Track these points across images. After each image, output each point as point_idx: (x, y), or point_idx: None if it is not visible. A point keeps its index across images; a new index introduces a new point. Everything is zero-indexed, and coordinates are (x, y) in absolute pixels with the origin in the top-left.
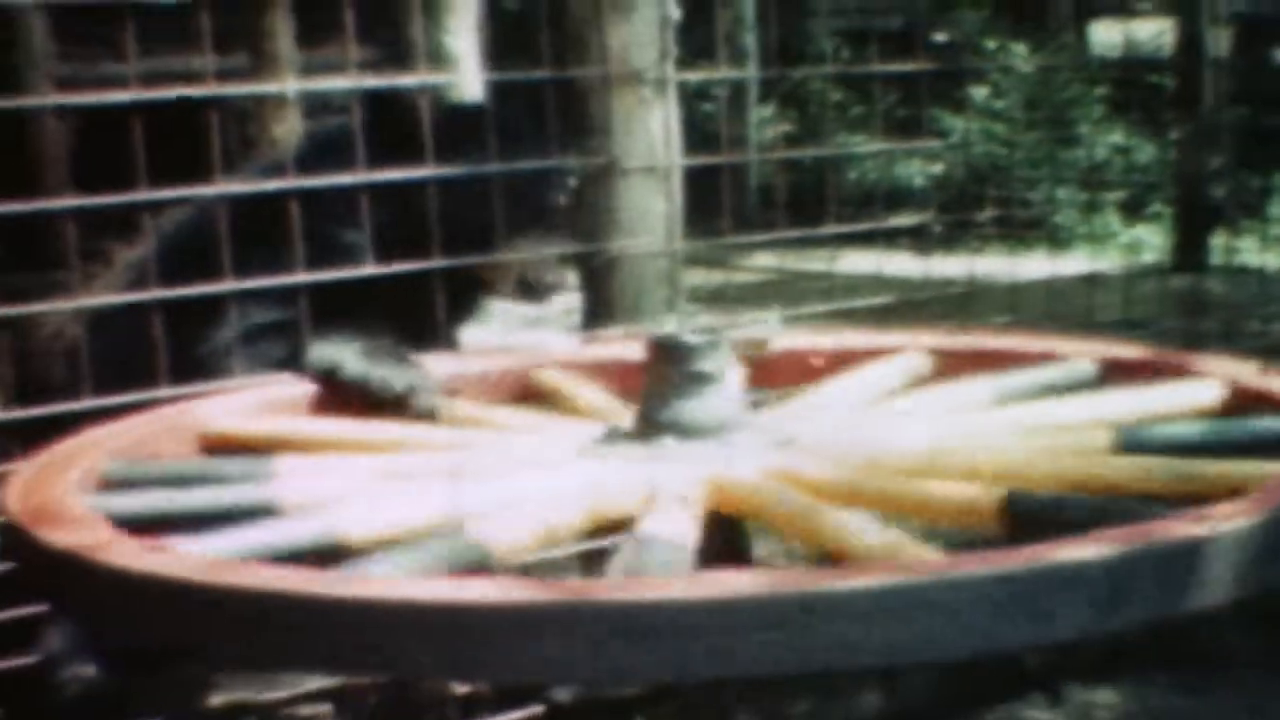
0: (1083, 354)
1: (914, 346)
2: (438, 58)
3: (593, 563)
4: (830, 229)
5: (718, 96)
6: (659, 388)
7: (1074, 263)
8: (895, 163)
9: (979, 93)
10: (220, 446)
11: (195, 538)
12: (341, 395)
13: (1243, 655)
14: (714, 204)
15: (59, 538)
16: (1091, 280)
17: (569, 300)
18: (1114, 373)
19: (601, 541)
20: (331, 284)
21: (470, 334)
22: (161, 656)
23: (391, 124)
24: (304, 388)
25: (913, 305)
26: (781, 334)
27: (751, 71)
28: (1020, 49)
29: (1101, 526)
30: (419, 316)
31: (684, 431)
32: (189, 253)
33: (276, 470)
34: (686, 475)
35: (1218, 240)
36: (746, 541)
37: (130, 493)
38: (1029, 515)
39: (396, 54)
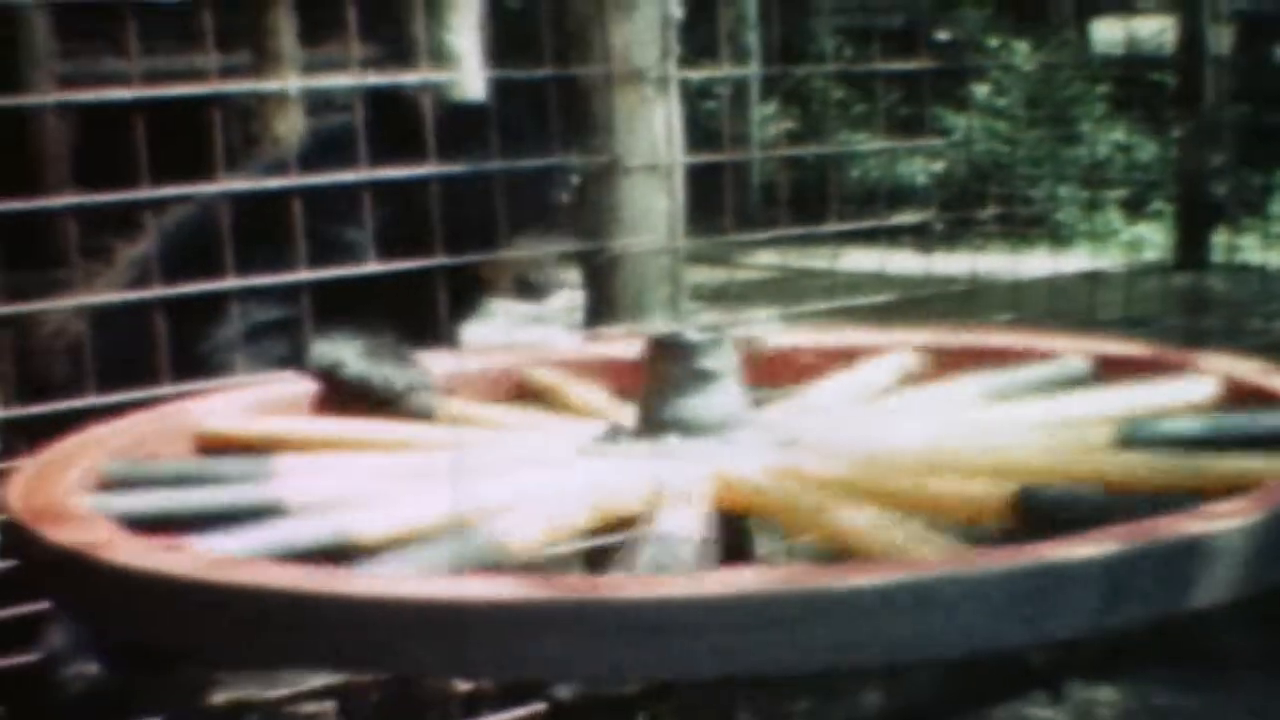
0: (1075, 351)
1: (906, 345)
2: (440, 56)
3: (596, 560)
4: (832, 227)
5: (720, 94)
6: (662, 385)
7: (1076, 260)
8: (897, 161)
9: (981, 90)
10: (216, 446)
11: (204, 538)
12: (342, 393)
13: (1243, 655)
14: (716, 202)
15: (61, 535)
16: (1093, 278)
17: (571, 298)
18: (1106, 370)
19: (603, 539)
20: (333, 282)
21: (473, 332)
22: (164, 655)
23: (393, 122)
24: (299, 387)
25: (915, 303)
26: (774, 333)
27: (754, 69)
28: (1022, 47)
29: (1113, 522)
30: (421, 315)
31: (687, 429)
32: (191, 251)
33: (277, 470)
34: (693, 473)
35: (1219, 238)
36: (749, 539)
37: (131, 493)
38: (1040, 511)
39: (399, 52)
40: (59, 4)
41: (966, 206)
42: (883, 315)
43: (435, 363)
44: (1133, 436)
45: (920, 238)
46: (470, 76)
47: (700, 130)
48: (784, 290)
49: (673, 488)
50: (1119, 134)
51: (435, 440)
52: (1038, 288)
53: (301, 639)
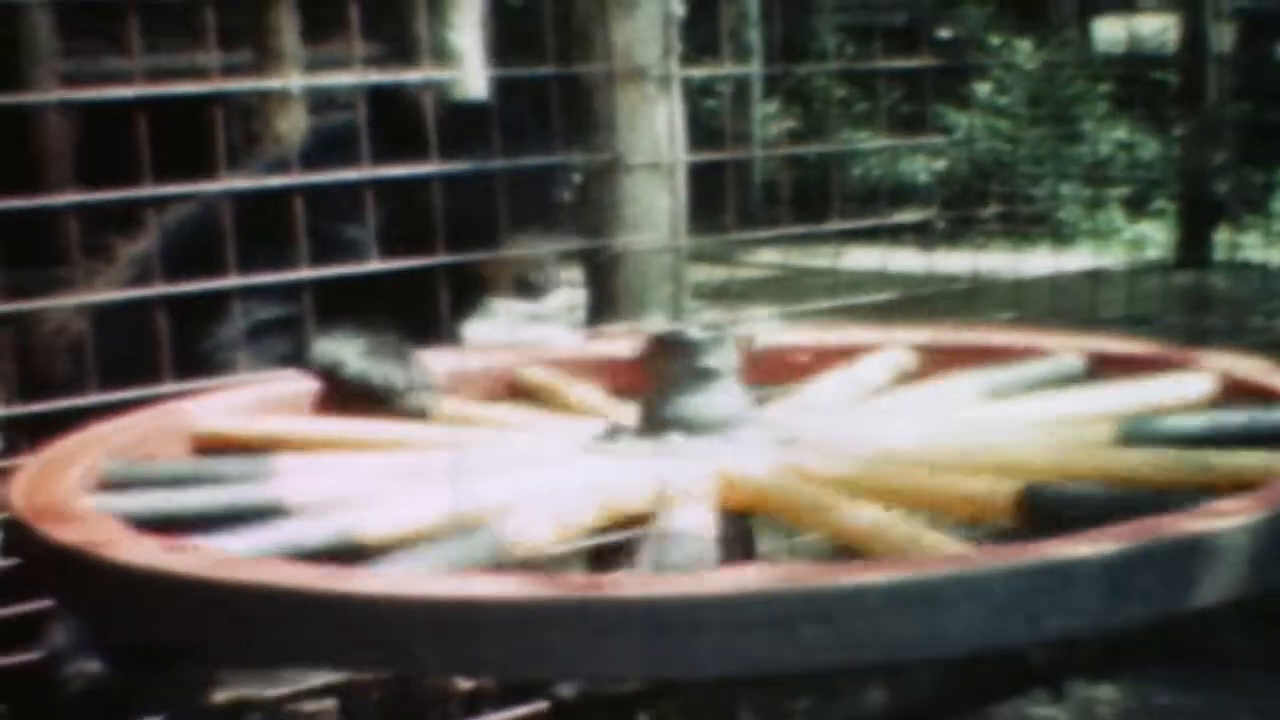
0: (1068, 349)
1: (898, 342)
2: (442, 54)
3: (597, 558)
4: (834, 225)
5: (722, 93)
6: (664, 384)
7: (1078, 259)
8: (899, 159)
9: (983, 89)
10: (213, 446)
11: (207, 538)
12: (342, 392)
13: (1244, 654)
14: (718, 200)
15: (64, 534)
16: (1095, 276)
17: (572, 296)
18: (1101, 367)
19: (604, 537)
20: (335, 281)
21: (474, 330)
22: (165, 653)
23: (392, 121)
24: (296, 386)
25: (917, 302)
26: (768, 331)
27: (755, 68)
28: (1024, 45)
29: (1120, 520)
30: (422, 313)
31: (690, 427)
32: (192, 249)
33: (276, 470)
34: (698, 471)
35: (1221, 236)
36: (751, 538)
37: (131, 493)
38: (1046, 509)
39: (401, 50)
40: (61, 2)
41: (968, 205)
42: (884, 314)
43: (433, 361)
44: (1133, 434)
45: (922, 236)
46: (472, 74)
47: (702, 128)
48: (786, 289)
49: (679, 486)
50: (1121, 132)
51: (435, 440)
52: (1040, 286)
53: (304, 637)
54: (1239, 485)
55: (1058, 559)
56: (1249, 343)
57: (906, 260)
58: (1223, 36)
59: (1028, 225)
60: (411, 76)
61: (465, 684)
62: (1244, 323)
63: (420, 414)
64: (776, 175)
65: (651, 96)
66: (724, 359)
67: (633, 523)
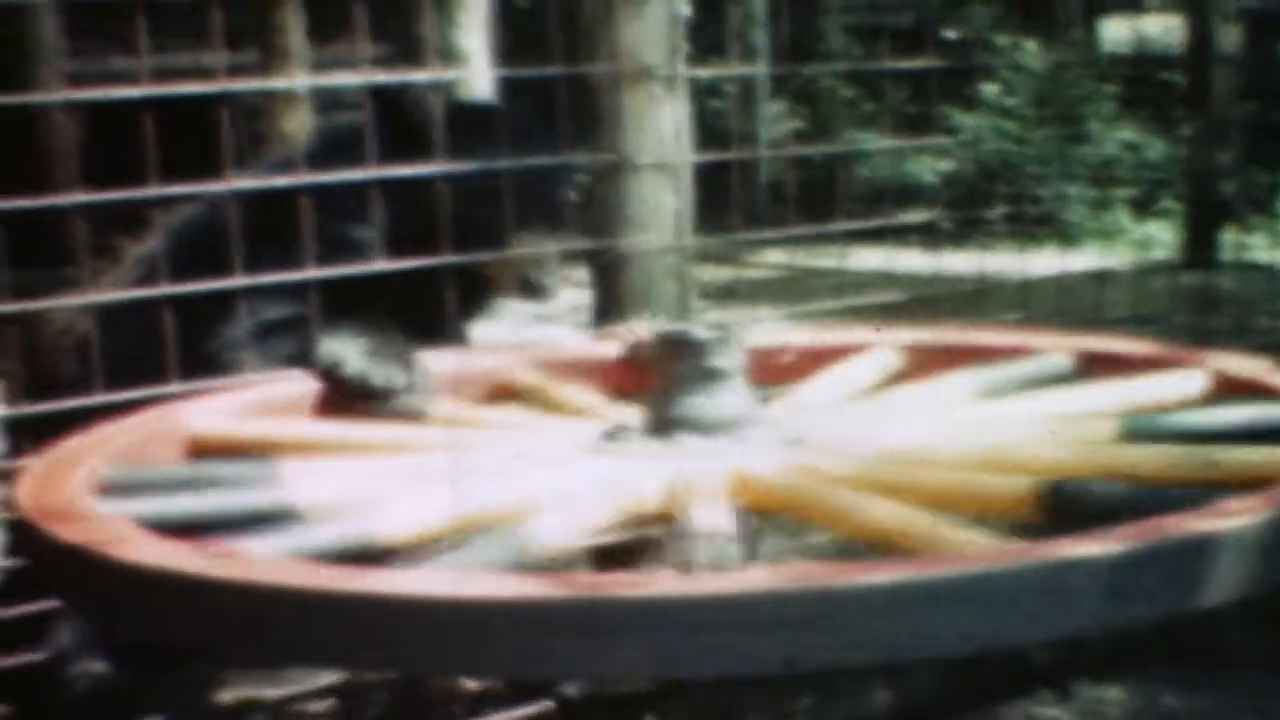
0: (1058, 348)
1: (886, 343)
2: (448, 54)
3: (604, 558)
4: (840, 226)
5: (728, 93)
6: (670, 383)
7: (1084, 259)
8: (905, 160)
9: (989, 89)
10: (211, 449)
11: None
12: (342, 392)
13: (1249, 655)
14: (724, 201)
15: (71, 533)
16: (1101, 277)
17: (578, 297)
18: (1090, 366)
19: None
20: (340, 281)
21: (480, 331)
22: (171, 653)
23: (396, 122)
24: (293, 388)
25: (922, 302)
26: (754, 332)
27: (762, 68)
28: (1030, 46)
29: (1144, 516)
30: (428, 313)
31: (698, 427)
32: (199, 249)
33: (284, 474)
34: (711, 470)
35: (1228, 236)
36: (753, 538)
37: (137, 498)
38: (1068, 505)
39: (407, 50)
40: (68, 2)
41: (974, 205)
42: (890, 314)
43: (432, 362)
44: (1136, 431)
45: (928, 236)
46: (478, 75)
47: (708, 129)
48: (791, 289)
49: (696, 485)
50: (1127, 133)
51: (438, 442)
52: (1046, 287)
53: (310, 637)
54: (1245, 480)
55: (1062, 559)
56: (1254, 343)
57: (912, 261)
58: (1229, 37)
59: (1034, 226)
60: (418, 77)
61: (471, 684)
62: (1249, 323)
63: (417, 415)
64: (782, 176)
65: (658, 97)
66: (731, 359)
67: (645, 523)
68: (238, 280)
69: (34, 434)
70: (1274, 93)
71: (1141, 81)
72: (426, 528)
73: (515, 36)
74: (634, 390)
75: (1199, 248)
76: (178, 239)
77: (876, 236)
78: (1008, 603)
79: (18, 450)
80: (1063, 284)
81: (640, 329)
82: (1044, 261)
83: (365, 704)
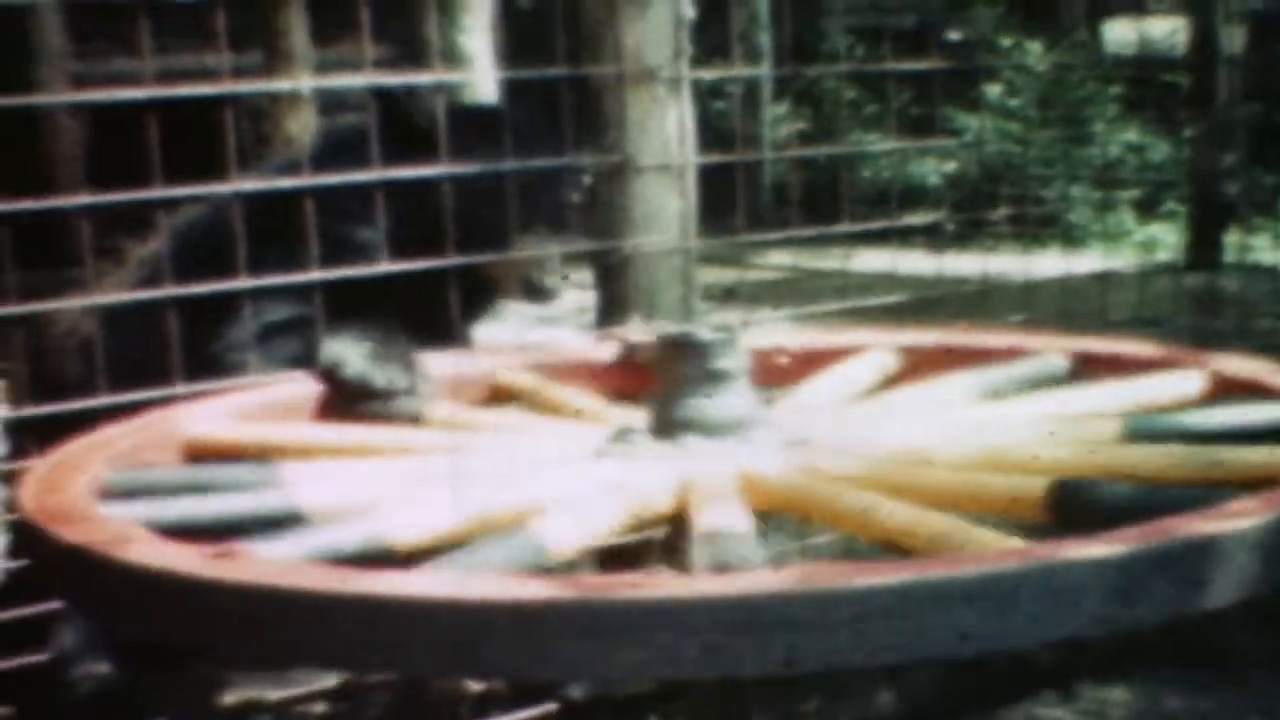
0: (1053, 349)
1: (882, 345)
2: (452, 56)
3: (608, 559)
4: (844, 227)
5: (732, 95)
6: (676, 385)
7: (1088, 261)
8: (909, 161)
9: (993, 91)
10: (209, 453)
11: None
12: (342, 393)
13: (1254, 656)
14: (728, 202)
15: (75, 534)
16: (1105, 278)
17: (582, 299)
18: (1085, 367)
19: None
20: (344, 282)
21: (484, 332)
22: (174, 654)
23: (397, 124)
24: (290, 391)
25: (927, 304)
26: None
27: (766, 70)
28: (1034, 47)
29: (1155, 516)
30: (432, 315)
31: (704, 429)
32: (203, 250)
33: (286, 477)
34: (720, 472)
35: (1231, 238)
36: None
37: (140, 501)
38: (1080, 506)
39: (411, 52)
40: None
41: (978, 207)
42: (895, 316)
43: (431, 364)
44: (1139, 431)
45: (932, 238)
46: (482, 77)
47: (712, 130)
48: (796, 290)
49: (705, 487)
50: (1131, 134)
51: (438, 444)
52: (1050, 288)
53: (314, 639)
54: (1249, 480)
55: (1066, 560)
56: (1257, 344)
57: (916, 262)
58: (1233, 38)
59: (1038, 227)
60: (421, 79)
61: (475, 686)
62: (1253, 324)
63: (415, 418)
64: (786, 177)
65: (662, 98)
66: (735, 360)
67: (654, 525)
68: (242, 282)
69: (39, 435)
70: (1278, 94)
71: (1145, 83)
72: (437, 531)
73: (519, 38)
74: (632, 392)
75: (1203, 249)
76: (182, 240)
77: (880, 238)
78: (1011, 604)
79: (23, 451)
80: (1066, 285)
81: (637, 331)
82: (1048, 263)
83: (367, 705)
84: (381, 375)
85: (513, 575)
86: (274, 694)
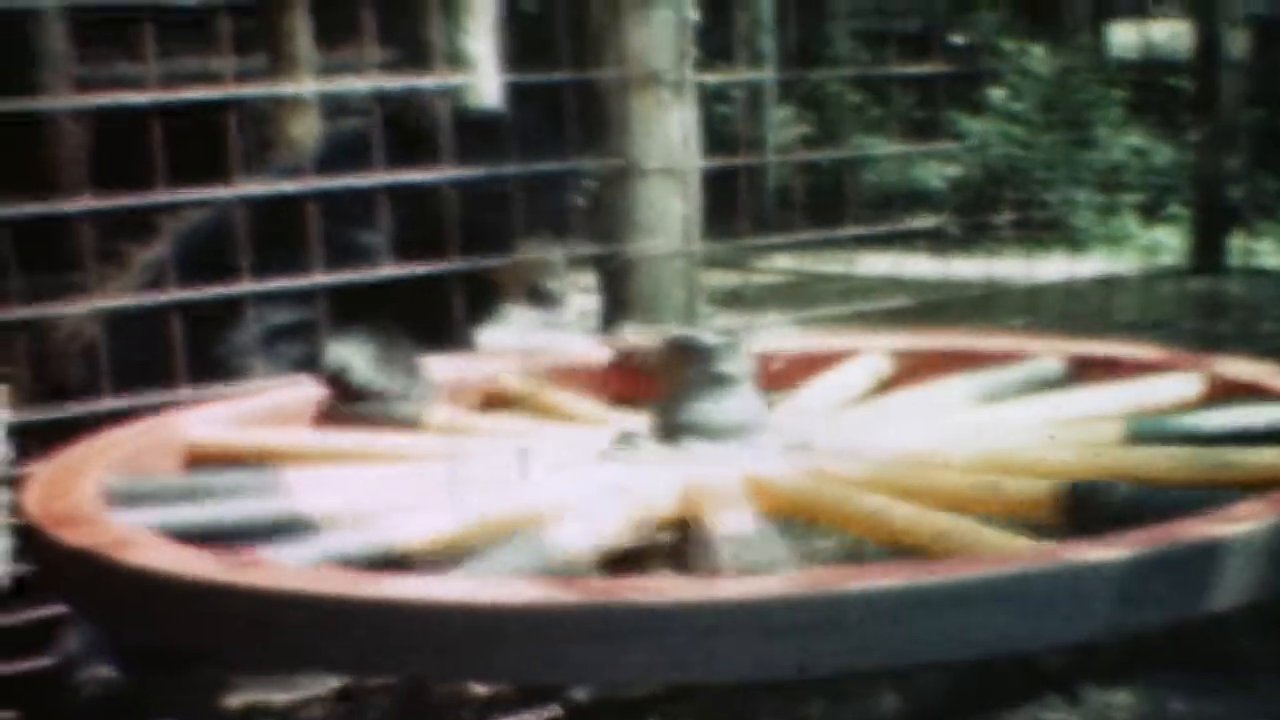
0: (1049, 352)
1: (876, 349)
2: (456, 59)
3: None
4: (848, 231)
5: (736, 98)
6: (679, 389)
7: (1092, 265)
8: (913, 165)
9: (996, 95)
10: (209, 459)
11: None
12: (346, 397)
13: (1259, 660)
14: (732, 206)
15: (80, 538)
16: (1109, 282)
17: (585, 302)
18: (1082, 371)
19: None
20: (347, 286)
21: (487, 336)
22: (179, 658)
23: (403, 130)
24: (290, 397)
25: (930, 307)
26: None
27: (769, 73)
28: (1038, 51)
29: (1168, 518)
30: (434, 320)
31: (708, 433)
32: (206, 254)
33: (290, 482)
34: (728, 476)
35: (1235, 242)
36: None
37: (143, 508)
38: (1088, 507)
39: (415, 55)
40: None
41: (982, 211)
42: (898, 319)
43: (432, 369)
44: (1142, 433)
45: (935, 242)
46: (486, 80)
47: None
48: (799, 294)
49: (713, 491)
50: (1135, 138)
51: (439, 450)
52: (1054, 292)
53: (318, 642)
54: (1255, 482)
55: (1072, 564)
56: (1261, 348)
57: (920, 266)
58: (1237, 43)
59: (1041, 231)
60: (425, 82)
61: (479, 689)
62: (1256, 328)
63: (414, 423)
64: (790, 181)
65: (665, 102)
66: (738, 364)
67: (663, 528)
68: (245, 286)
69: (42, 439)
70: None
71: (1149, 87)
72: (446, 535)
73: (523, 42)
74: (630, 397)
75: (1207, 253)
76: (185, 244)
77: (884, 242)
78: (1018, 607)
79: (26, 455)
80: (1070, 289)
81: (634, 336)
82: (1052, 267)
83: (372, 709)
84: (386, 381)
85: (523, 579)
86: (279, 698)
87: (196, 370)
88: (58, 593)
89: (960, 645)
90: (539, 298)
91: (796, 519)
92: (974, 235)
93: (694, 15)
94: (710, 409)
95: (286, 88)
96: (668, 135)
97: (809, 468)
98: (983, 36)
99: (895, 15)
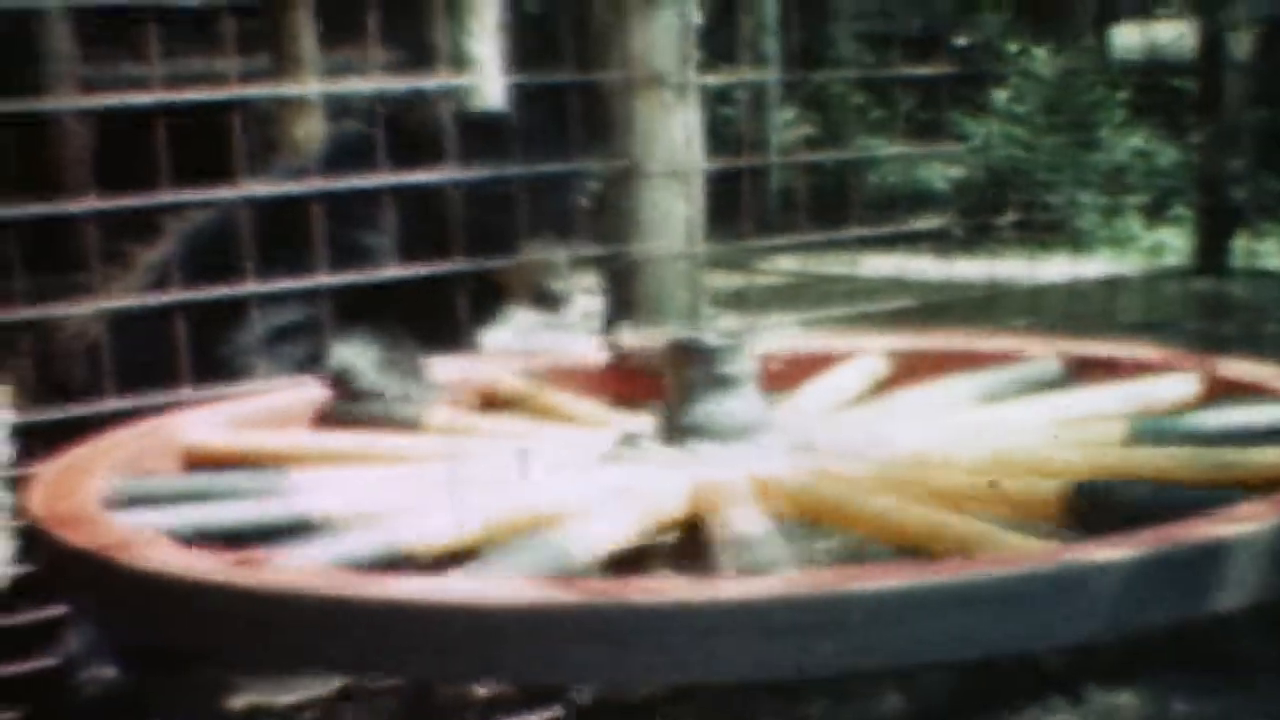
0: (1044, 353)
1: (873, 350)
2: (460, 61)
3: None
4: (851, 232)
5: (739, 100)
6: (684, 391)
7: (1095, 266)
8: (916, 166)
9: (1000, 96)
10: (208, 461)
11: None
12: (352, 399)
13: (1260, 661)
14: (735, 207)
15: (85, 539)
16: (1113, 283)
17: (589, 303)
18: (1079, 371)
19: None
20: (352, 287)
21: (491, 337)
22: (180, 658)
23: (404, 132)
24: (289, 399)
25: (934, 308)
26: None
27: (773, 75)
28: (1041, 52)
29: (1176, 517)
30: (437, 321)
31: (713, 434)
32: (210, 255)
33: (295, 484)
34: (735, 476)
35: (1239, 243)
36: None
37: (148, 510)
38: (1097, 507)
39: (419, 57)
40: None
41: (985, 212)
42: (902, 320)
43: (435, 369)
44: (1145, 433)
45: (939, 243)
46: (490, 82)
47: (719, 136)
48: (803, 295)
49: (722, 491)
50: (1138, 139)
51: (439, 450)
52: (1057, 293)
53: (320, 643)
54: (1260, 481)
55: (1074, 564)
56: (1265, 349)
57: (924, 267)
58: (1240, 44)
59: (1045, 232)
60: (429, 83)
61: (482, 690)
62: (1260, 329)
63: (414, 424)
64: (793, 182)
65: (669, 104)
66: (742, 365)
67: (672, 529)
68: (249, 286)
69: (46, 439)
70: None
71: (1153, 88)
72: (457, 537)
73: (527, 43)
74: (629, 397)
75: (1210, 254)
76: (189, 244)
77: (888, 243)
78: (1020, 608)
79: (30, 455)
80: (1074, 290)
81: (630, 337)
82: (1055, 268)
83: (375, 709)
84: (390, 381)
85: (528, 581)
86: (281, 698)
87: (201, 370)
88: (62, 593)
89: (963, 645)
90: (545, 300)
91: (800, 520)
92: (977, 236)
93: (697, 17)
94: (715, 410)
95: (290, 89)
96: (671, 137)
97: (815, 469)
98: (986, 38)
99: (898, 17)
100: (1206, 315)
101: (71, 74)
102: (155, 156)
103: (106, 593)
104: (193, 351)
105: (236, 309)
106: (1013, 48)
